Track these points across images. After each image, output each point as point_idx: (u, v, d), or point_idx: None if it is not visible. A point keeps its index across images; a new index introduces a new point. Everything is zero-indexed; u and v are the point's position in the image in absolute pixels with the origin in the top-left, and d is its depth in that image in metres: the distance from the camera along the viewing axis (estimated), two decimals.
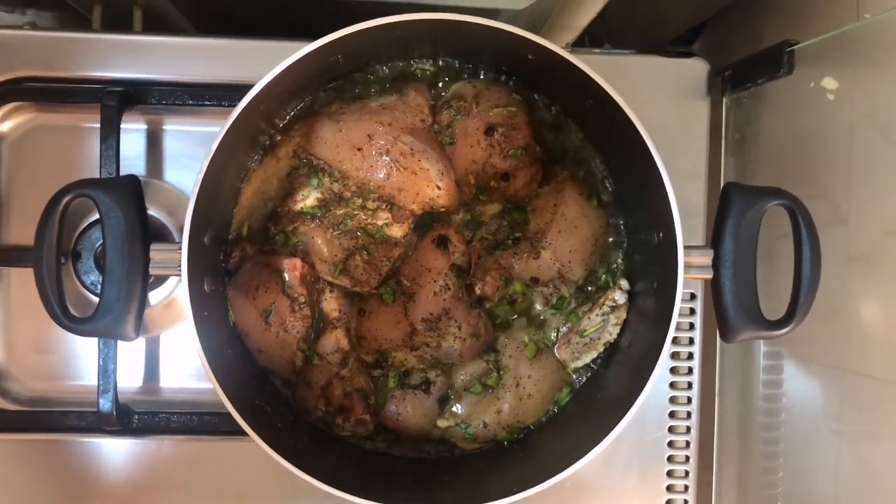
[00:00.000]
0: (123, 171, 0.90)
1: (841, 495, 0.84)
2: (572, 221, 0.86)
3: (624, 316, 0.85)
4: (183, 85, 0.92)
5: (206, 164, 0.71)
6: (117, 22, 1.07)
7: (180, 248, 0.72)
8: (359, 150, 0.83)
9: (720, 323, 0.74)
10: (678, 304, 0.72)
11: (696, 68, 0.97)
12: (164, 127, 0.95)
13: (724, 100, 1.00)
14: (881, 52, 0.80)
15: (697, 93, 0.97)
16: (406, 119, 0.84)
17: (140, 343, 0.96)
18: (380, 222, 0.85)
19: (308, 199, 0.85)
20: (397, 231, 0.86)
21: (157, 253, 0.73)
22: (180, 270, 0.71)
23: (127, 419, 0.91)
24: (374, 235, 0.86)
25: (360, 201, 0.85)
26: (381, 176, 0.83)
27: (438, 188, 0.84)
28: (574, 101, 0.85)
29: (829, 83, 0.85)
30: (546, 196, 0.87)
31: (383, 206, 0.85)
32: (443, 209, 0.86)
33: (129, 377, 0.95)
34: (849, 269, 0.82)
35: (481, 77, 0.88)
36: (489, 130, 0.85)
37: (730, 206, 0.74)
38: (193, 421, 0.93)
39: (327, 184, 0.85)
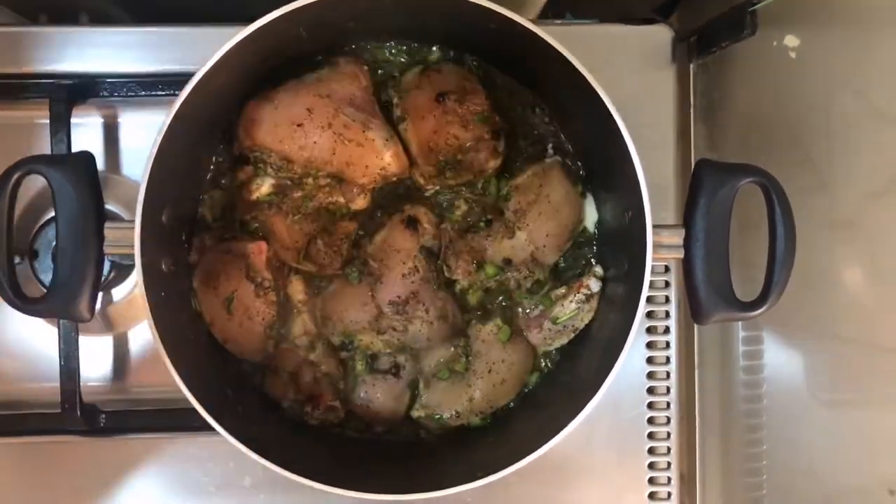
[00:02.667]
0: None
1: (831, 464, 0.82)
2: (555, 205, 0.84)
3: (597, 304, 0.84)
4: (134, 76, 0.91)
5: (158, 139, 0.69)
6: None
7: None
8: (299, 126, 0.80)
9: (691, 304, 0.72)
10: (646, 286, 0.70)
11: (660, 35, 0.95)
12: (119, 120, 0.94)
13: (691, 66, 0.98)
14: (848, 7, 0.77)
15: (663, 60, 0.95)
16: (344, 89, 0.81)
17: (107, 340, 0.94)
18: (340, 199, 0.83)
19: (263, 187, 0.83)
20: (361, 203, 0.83)
21: (111, 231, 0.71)
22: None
23: (93, 419, 0.89)
24: (336, 214, 0.84)
25: (311, 180, 0.82)
26: (326, 151, 0.80)
27: (387, 157, 0.81)
28: (536, 75, 0.84)
29: (791, 41, 0.83)
30: (532, 176, 0.85)
31: (335, 182, 0.82)
32: (395, 178, 0.83)
33: (97, 376, 0.93)
34: (832, 234, 0.80)
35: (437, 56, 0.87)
36: (440, 96, 0.82)
37: (701, 184, 0.72)
38: (163, 418, 0.91)
39: (273, 173, 0.82)
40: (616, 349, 0.72)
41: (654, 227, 0.70)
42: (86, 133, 0.93)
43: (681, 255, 0.72)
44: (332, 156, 0.81)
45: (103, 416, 0.90)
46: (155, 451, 0.93)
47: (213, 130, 0.84)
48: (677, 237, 0.72)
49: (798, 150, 0.84)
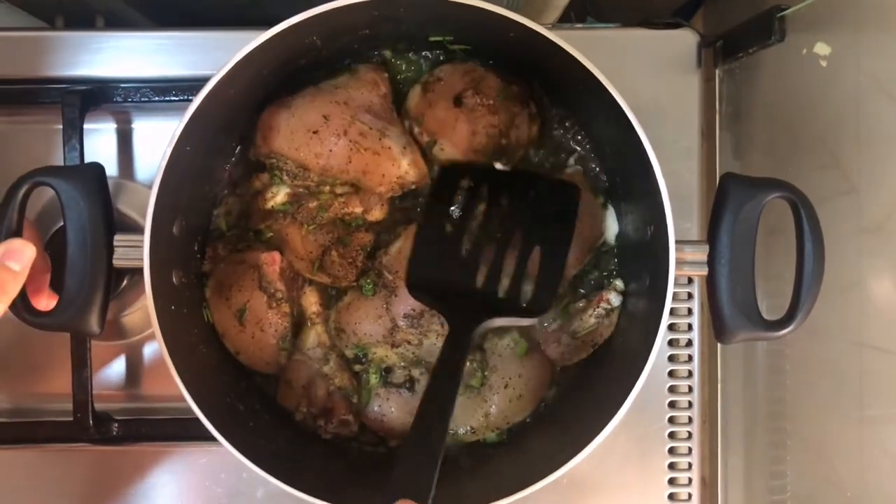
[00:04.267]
0: None
1: (857, 478, 0.79)
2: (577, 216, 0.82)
3: (616, 319, 0.82)
4: (147, 81, 0.89)
5: (168, 150, 0.68)
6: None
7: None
8: (315, 133, 0.79)
9: (715, 323, 0.70)
10: (668, 303, 0.68)
11: (685, 40, 0.92)
12: (133, 126, 0.93)
13: (717, 72, 0.96)
14: (881, 11, 0.75)
15: (688, 66, 0.92)
16: (362, 96, 0.80)
17: (121, 348, 0.93)
18: (357, 210, 0.81)
19: (278, 196, 0.81)
20: (378, 215, 0.82)
21: (121, 243, 0.70)
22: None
23: (105, 427, 0.88)
24: (352, 224, 0.83)
25: (327, 189, 0.81)
26: (342, 160, 0.79)
27: (404, 165, 0.80)
28: (559, 87, 0.82)
29: (822, 49, 0.80)
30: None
31: (352, 191, 0.81)
32: (414, 186, 0.81)
33: (110, 383, 0.93)
34: (861, 241, 0.77)
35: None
36: (456, 101, 0.81)
37: (726, 199, 0.69)
38: (176, 427, 0.90)
39: (289, 181, 0.81)
40: (638, 366, 0.69)
41: (677, 242, 0.68)
42: (99, 139, 0.92)
43: (704, 272, 0.70)
44: (349, 164, 0.79)
45: (116, 424, 0.89)
46: (167, 461, 0.92)
47: (227, 138, 0.83)
48: (701, 254, 0.70)
49: (826, 155, 0.82)
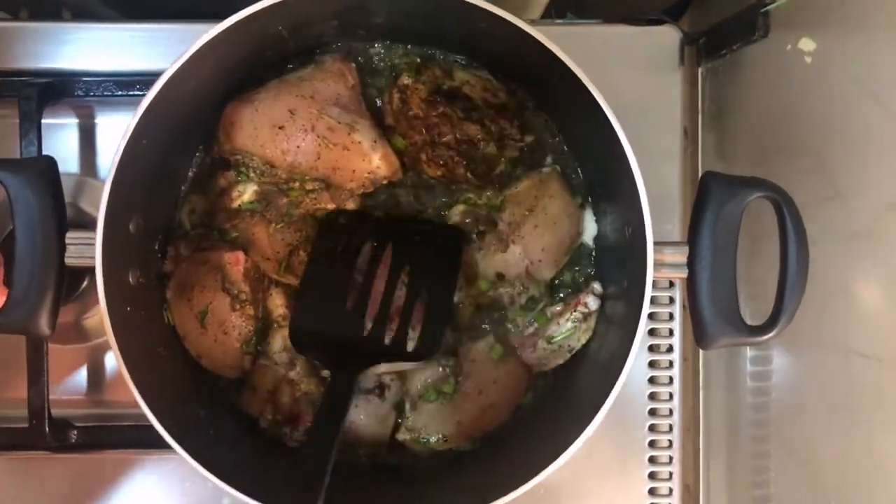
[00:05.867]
0: None
1: (843, 485, 0.78)
2: (552, 217, 0.81)
3: (594, 323, 0.80)
4: (111, 75, 0.87)
5: (122, 145, 0.65)
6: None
7: None
8: (280, 128, 0.76)
9: (695, 328, 0.69)
10: (646, 307, 0.66)
11: (667, 37, 0.91)
12: (96, 121, 0.90)
13: (700, 70, 0.94)
14: (866, 8, 0.73)
15: (670, 63, 0.91)
16: (329, 88, 0.77)
17: (82, 351, 0.91)
18: (329, 206, 0.79)
19: (245, 194, 0.79)
20: (349, 206, 0.80)
21: (74, 241, 0.67)
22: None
23: (64, 434, 0.86)
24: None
25: (297, 185, 0.78)
26: (311, 156, 0.76)
27: (375, 160, 0.77)
28: (536, 84, 0.80)
29: (807, 44, 0.78)
30: (528, 186, 0.81)
31: (322, 187, 0.78)
32: (387, 180, 0.79)
33: (70, 388, 0.90)
34: (848, 246, 0.76)
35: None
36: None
37: (707, 198, 0.67)
38: (139, 434, 0.87)
39: (256, 178, 0.78)
40: (616, 372, 0.67)
41: (656, 244, 0.66)
42: (60, 134, 0.90)
43: (684, 274, 0.68)
44: (317, 160, 0.77)
45: (75, 431, 0.87)
46: (130, 469, 0.90)
47: (190, 132, 0.80)
48: (681, 255, 0.68)
49: (811, 158, 0.80)
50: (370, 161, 0.77)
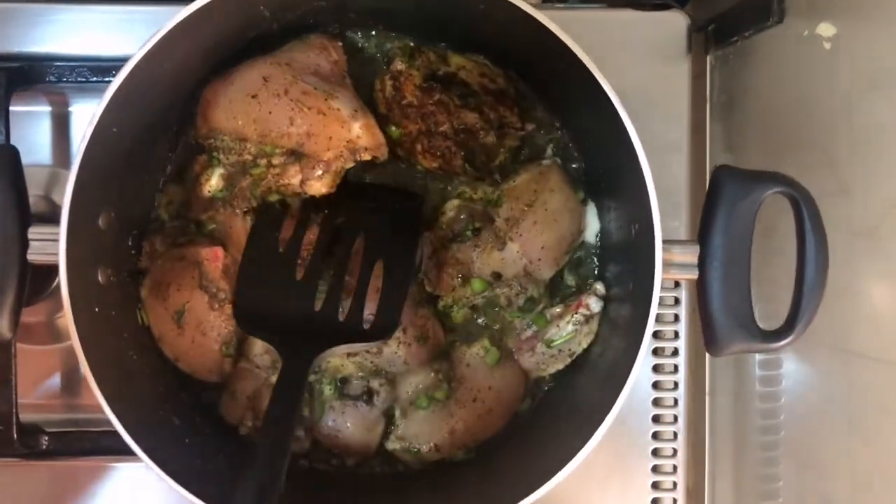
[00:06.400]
0: (26, 160, 0.80)
1: (852, 495, 0.76)
2: (553, 213, 0.77)
3: (597, 326, 0.77)
4: (86, 59, 0.83)
5: (89, 132, 0.62)
6: None
7: None
8: (253, 97, 0.71)
9: (705, 333, 0.65)
10: (654, 310, 0.63)
11: (674, 22, 0.87)
12: (71, 109, 0.87)
13: (708, 58, 0.91)
14: None
15: (677, 51, 0.87)
16: (308, 58, 0.72)
17: (54, 353, 0.87)
18: (293, 181, 0.72)
19: (212, 178, 0.74)
20: (319, 187, 0.72)
21: (38, 236, 0.64)
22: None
23: (33, 440, 0.82)
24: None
25: (264, 161, 0.73)
26: (283, 121, 0.70)
27: (355, 128, 0.71)
28: (532, 66, 0.77)
29: (826, 29, 0.75)
30: (527, 179, 0.78)
31: (291, 161, 0.72)
32: (369, 154, 0.72)
33: (41, 392, 0.87)
34: (854, 244, 0.74)
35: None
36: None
37: (720, 194, 0.64)
38: (113, 440, 0.81)
39: (224, 159, 0.74)
40: (620, 378, 0.65)
41: (665, 242, 0.63)
42: (32, 123, 0.86)
43: (694, 275, 0.65)
44: (290, 126, 0.70)
45: (46, 437, 0.83)
46: (105, 477, 0.87)
47: (166, 119, 0.76)
48: (691, 255, 0.65)
49: (814, 152, 0.78)
50: (350, 129, 0.71)
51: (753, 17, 0.80)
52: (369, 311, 0.71)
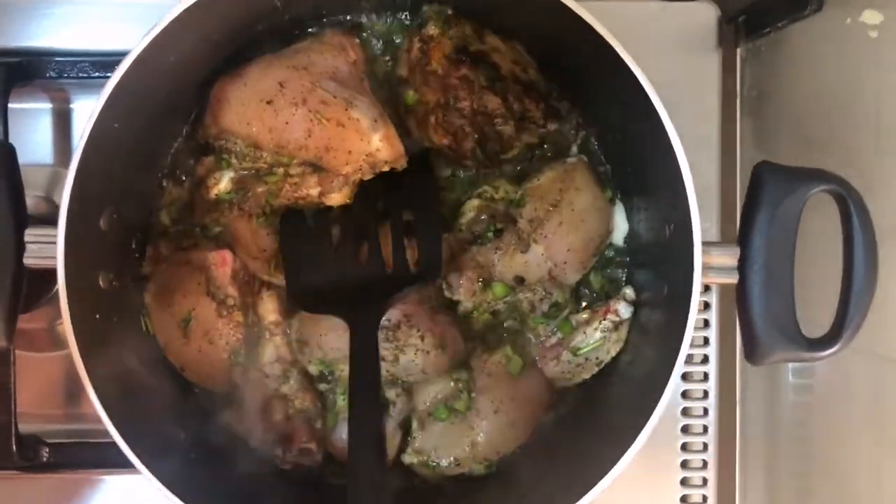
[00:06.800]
0: (26, 160, 0.77)
1: None
2: (580, 213, 0.75)
3: (626, 333, 0.75)
4: (86, 54, 0.82)
5: (88, 128, 0.59)
6: None
7: None
8: (268, 103, 0.68)
9: (746, 341, 0.63)
10: (693, 316, 0.61)
11: (703, 14, 0.86)
12: (73, 106, 0.85)
13: (739, 50, 0.89)
14: None
15: (706, 43, 0.86)
16: (326, 61, 0.70)
17: (56, 360, 0.85)
18: (312, 191, 0.71)
19: (221, 182, 0.72)
20: (338, 199, 0.71)
21: (35, 238, 0.61)
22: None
23: (33, 452, 0.81)
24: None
25: (281, 170, 0.71)
26: (300, 134, 0.69)
27: (375, 140, 0.69)
28: (557, 57, 0.75)
29: (871, 17, 0.73)
30: (551, 178, 0.76)
31: (309, 171, 0.71)
32: (388, 167, 0.71)
33: (42, 402, 0.85)
34: (882, 245, 0.71)
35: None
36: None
37: (762, 192, 0.62)
38: (117, 452, 0.79)
39: (237, 164, 0.71)
40: (654, 390, 0.63)
41: (704, 244, 0.61)
42: (32, 120, 0.85)
43: (734, 279, 0.63)
44: (308, 139, 0.69)
45: (46, 449, 0.82)
46: (107, 490, 0.85)
47: (171, 114, 0.75)
48: (731, 258, 0.63)
49: (839, 148, 0.77)
50: (369, 141, 0.69)
51: (788, 6, 0.78)
52: (412, 258, 0.72)
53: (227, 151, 0.71)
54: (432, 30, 0.72)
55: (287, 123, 0.68)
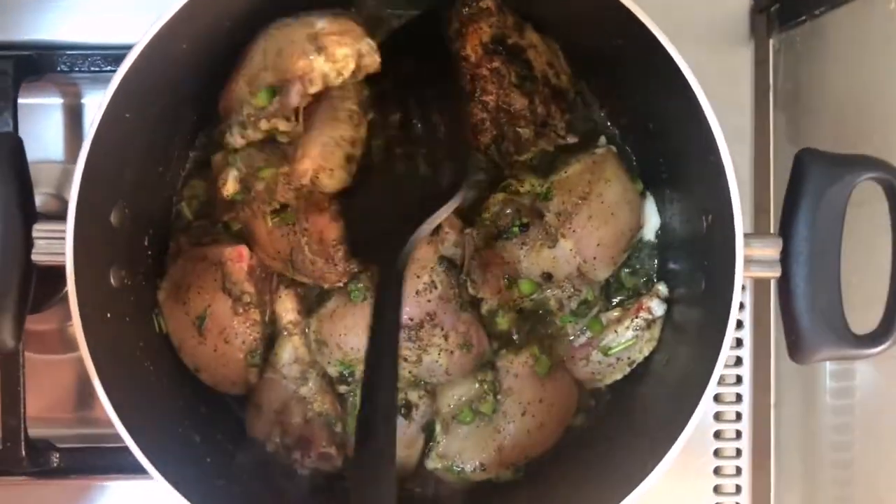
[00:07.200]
0: (36, 156, 0.76)
1: None
2: (609, 206, 0.73)
3: (659, 332, 0.73)
4: (98, 47, 0.81)
5: (98, 117, 0.58)
6: None
7: None
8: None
9: (790, 338, 0.61)
10: (735, 312, 0.58)
11: (734, 4, 0.84)
12: (84, 101, 0.84)
13: (771, 41, 0.87)
14: None
15: (738, 34, 0.84)
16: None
17: (67, 363, 0.84)
18: (304, 181, 0.68)
19: (229, 181, 0.70)
20: (331, 185, 0.69)
21: (43, 234, 0.60)
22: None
23: (43, 457, 0.80)
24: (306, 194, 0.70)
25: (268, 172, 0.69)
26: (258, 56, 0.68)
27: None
28: (588, 49, 0.73)
29: None
30: (579, 170, 0.74)
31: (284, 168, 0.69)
32: (366, 71, 0.68)
33: (52, 405, 0.84)
34: None
35: None
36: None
37: (806, 181, 0.60)
38: (129, 457, 0.77)
39: (238, 132, 0.69)
40: (694, 389, 0.61)
41: (745, 235, 0.58)
42: (42, 116, 0.84)
43: (777, 272, 0.61)
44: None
45: (56, 454, 0.81)
46: (119, 496, 0.83)
47: (187, 106, 0.73)
48: (773, 250, 0.61)
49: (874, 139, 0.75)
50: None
51: None
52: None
53: (230, 127, 0.69)
54: (488, 2, 0.70)
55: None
